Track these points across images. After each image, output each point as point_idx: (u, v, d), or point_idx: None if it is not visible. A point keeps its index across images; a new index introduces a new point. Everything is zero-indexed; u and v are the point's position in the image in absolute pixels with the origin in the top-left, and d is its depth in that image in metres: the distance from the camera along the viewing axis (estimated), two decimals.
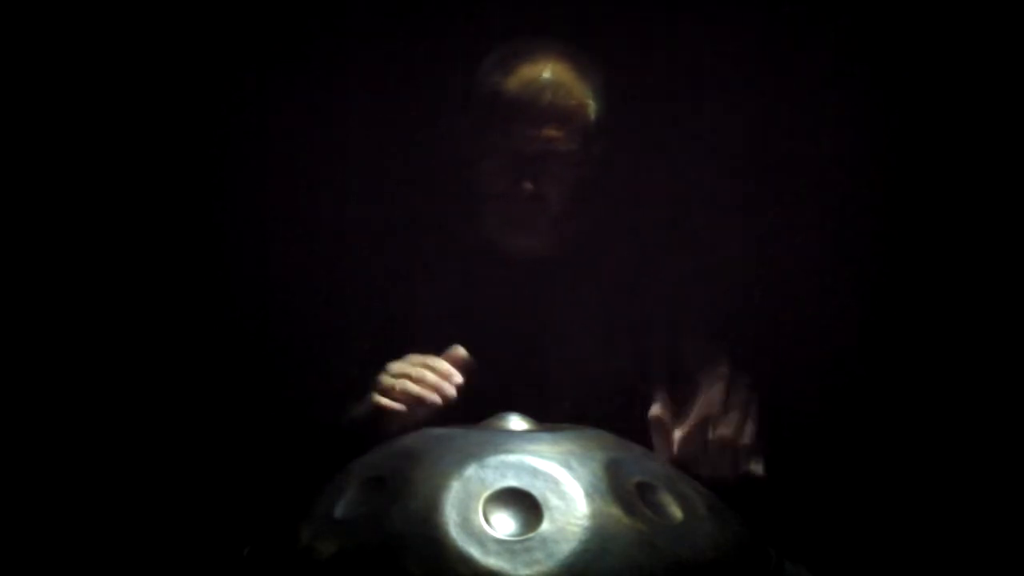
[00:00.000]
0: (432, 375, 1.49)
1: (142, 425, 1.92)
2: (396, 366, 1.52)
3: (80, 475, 1.89)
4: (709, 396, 1.42)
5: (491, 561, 0.89)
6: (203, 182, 1.96)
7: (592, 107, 1.66)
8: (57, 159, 1.92)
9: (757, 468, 1.39)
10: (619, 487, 0.96)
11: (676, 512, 0.98)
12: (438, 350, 1.58)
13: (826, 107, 1.94)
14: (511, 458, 0.97)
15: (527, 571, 0.89)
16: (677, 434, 1.37)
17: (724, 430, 1.38)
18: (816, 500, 1.79)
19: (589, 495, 0.94)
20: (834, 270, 1.93)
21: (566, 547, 0.90)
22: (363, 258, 1.82)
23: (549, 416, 1.14)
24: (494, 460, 0.97)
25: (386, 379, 1.51)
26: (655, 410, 1.36)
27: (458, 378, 1.49)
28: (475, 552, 0.90)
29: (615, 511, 0.94)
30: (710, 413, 1.40)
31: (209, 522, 1.76)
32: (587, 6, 1.95)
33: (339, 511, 0.98)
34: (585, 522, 0.92)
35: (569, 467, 0.97)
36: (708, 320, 1.71)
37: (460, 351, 1.52)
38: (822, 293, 1.93)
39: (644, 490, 0.98)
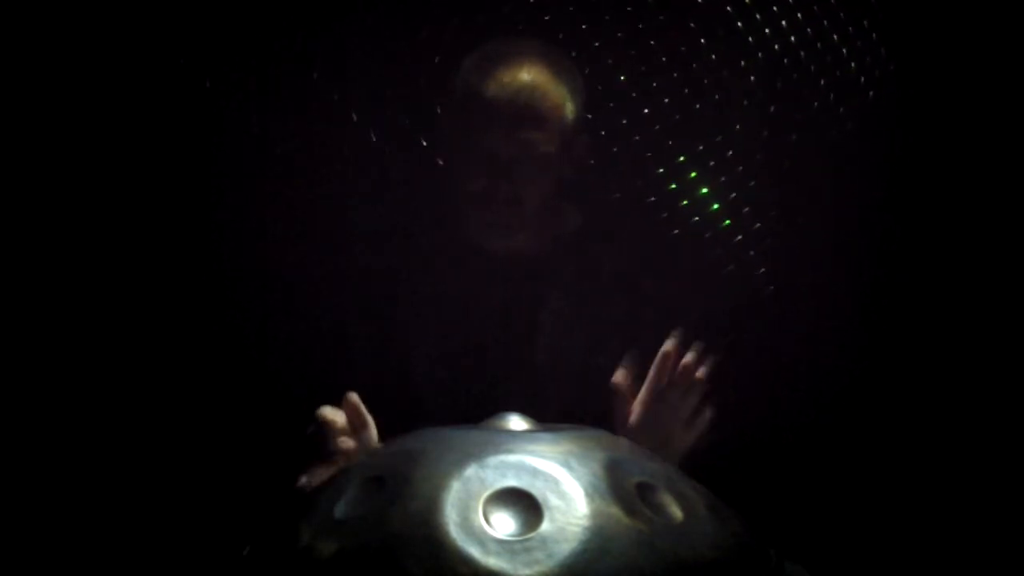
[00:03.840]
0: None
1: (142, 426, 1.92)
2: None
3: (81, 475, 1.89)
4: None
5: (491, 561, 0.89)
6: (200, 182, 1.96)
7: (569, 109, 1.66)
8: (59, 160, 1.92)
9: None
10: (619, 487, 0.96)
11: (676, 512, 0.97)
12: (430, 349, 1.59)
13: (824, 106, 1.94)
14: (511, 458, 0.97)
15: (527, 571, 0.89)
16: (642, 393, 1.48)
17: (682, 371, 1.49)
18: (816, 500, 1.79)
19: (589, 495, 0.94)
20: (833, 270, 1.93)
21: (566, 547, 0.90)
22: (354, 258, 1.82)
23: (537, 415, 1.14)
24: (494, 460, 0.97)
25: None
26: (618, 376, 1.46)
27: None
28: (475, 552, 0.90)
29: (615, 511, 0.94)
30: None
31: (209, 522, 1.77)
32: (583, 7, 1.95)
33: (339, 511, 0.97)
34: (585, 522, 0.92)
35: (569, 467, 0.96)
36: (697, 319, 1.71)
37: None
38: (820, 293, 1.94)
39: (644, 490, 0.98)
